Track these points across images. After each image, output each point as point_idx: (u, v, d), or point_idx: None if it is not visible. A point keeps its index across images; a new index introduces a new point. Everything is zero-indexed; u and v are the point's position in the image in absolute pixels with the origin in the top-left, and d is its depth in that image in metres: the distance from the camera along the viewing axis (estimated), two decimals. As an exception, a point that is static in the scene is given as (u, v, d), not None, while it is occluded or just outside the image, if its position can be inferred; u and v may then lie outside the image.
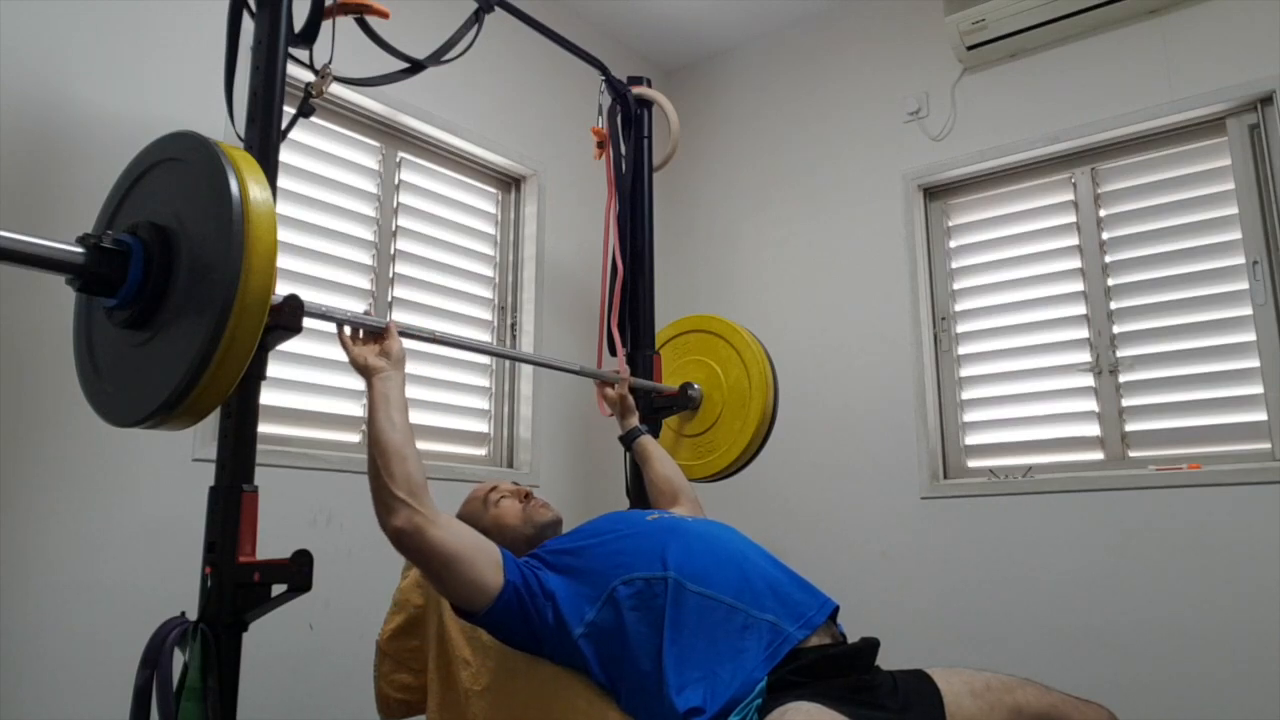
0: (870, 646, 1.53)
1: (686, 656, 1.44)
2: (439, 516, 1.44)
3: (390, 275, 2.68)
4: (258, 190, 1.26)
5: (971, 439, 2.93)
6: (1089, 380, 2.73)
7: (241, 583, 1.37)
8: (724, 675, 1.41)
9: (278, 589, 1.36)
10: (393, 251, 2.71)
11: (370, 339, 1.63)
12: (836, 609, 1.56)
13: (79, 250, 1.28)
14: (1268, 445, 2.44)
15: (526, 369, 2.99)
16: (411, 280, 2.75)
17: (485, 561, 1.47)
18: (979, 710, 1.41)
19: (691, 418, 2.57)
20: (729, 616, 1.47)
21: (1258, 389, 2.47)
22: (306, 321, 1.45)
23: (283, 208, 2.16)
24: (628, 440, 2.23)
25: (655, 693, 1.42)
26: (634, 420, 2.25)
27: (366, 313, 2.26)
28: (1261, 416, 2.46)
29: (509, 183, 3.15)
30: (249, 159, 1.32)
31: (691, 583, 1.49)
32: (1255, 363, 2.47)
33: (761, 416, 2.43)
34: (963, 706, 1.41)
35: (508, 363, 3.02)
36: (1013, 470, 2.81)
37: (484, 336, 2.96)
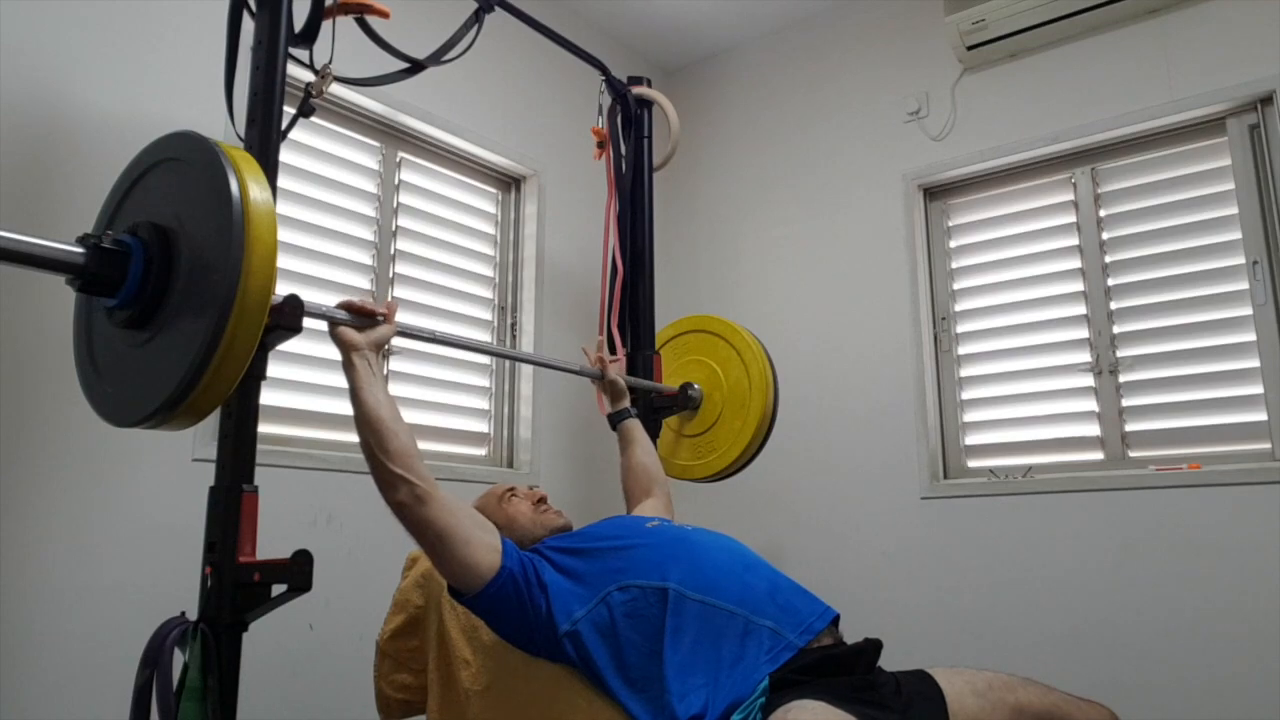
0: (873, 647, 1.53)
1: (688, 663, 1.44)
2: (436, 491, 1.46)
3: (390, 275, 2.68)
4: (258, 190, 1.26)
5: (971, 439, 2.93)
6: (1089, 380, 2.73)
7: (241, 583, 1.37)
8: (724, 680, 1.42)
9: (278, 589, 1.36)
10: (393, 251, 2.71)
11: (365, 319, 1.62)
12: (837, 617, 1.57)
13: (79, 250, 1.28)
14: (1268, 445, 2.44)
15: (526, 369, 2.99)
16: (411, 280, 2.74)
17: (481, 543, 1.49)
18: (981, 709, 1.42)
19: (691, 418, 2.57)
20: (729, 622, 1.47)
21: (1258, 389, 2.47)
22: (306, 321, 1.45)
23: (283, 208, 2.16)
24: (614, 420, 2.24)
25: (656, 699, 1.43)
26: (624, 403, 2.25)
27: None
28: (1261, 416, 2.45)
29: (509, 183, 3.15)
30: (249, 159, 1.32)
31: (693, 591, 1.50)
32: (1255, 363, 2.47)
33: (761, 416, 2.43)
34: (965, 706, 1.41)
35: (508, 363, 3.02)
36: (1013, 470, 2.81)
37: (484, 336, 2.96)
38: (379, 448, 1.45)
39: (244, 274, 1.21)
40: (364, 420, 1.48)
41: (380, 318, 1.60)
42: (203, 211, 1.27)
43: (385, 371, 2.61)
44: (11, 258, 1.22)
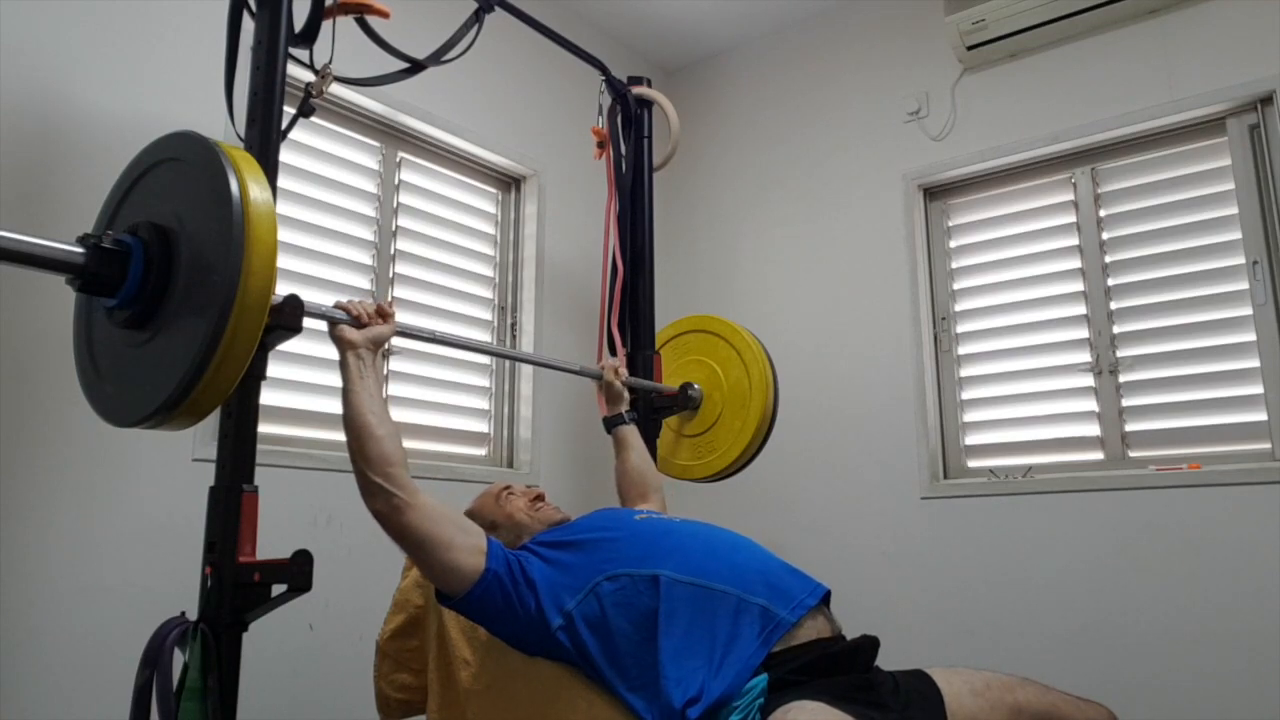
0: (870, 644, 1.54)
1: (684, 647, 1.45)
2: (415, 499, 1.45)
3: (390, 275, 2.68)
4: (258, 190, 1.27)
5: (971, 439, 2.93)
6: (1089, 380, 2.73)
7: (241, 583, 1.37)
8: (719, 660, 1.43)
9: (278, 589, 1.36)
10: (393, 251, 2.71)
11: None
12: (828, 594, 1.57)
13: (79, 250, 1.28)
14: (1268, 445, 2.44)
15: (526, 369, 2.99)
16: (411, 280, 2.74)
17: (464, 546, 1.48)
18: (979, 709, 1.42)
19: (691, 418, 2.57)
20: (722, 602, 1.48)
21: (1258, 389, 2.46)
22: (307, 321, 1.45)
23: (283, 208, 2.15)
24: (609, 424, 2.23)
25: (651, 686, 1.43)
26: (620, 407, 2.24)
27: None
28: (1261, 416, 2.45)
29: (509, 183, 3.15)
30: (249, 159, 1.32)
31: (684, 575, 1.51)
32: (1255, 363, 2.47)
33: (761, 416, 2.43)
34: (963, 705, 1.42)
35: (508, 363, 3.02)
36: (1013, 470, 2.81)
37: (484, 336, 2.96)
38: (359, 453, 1.46)
39: (244, 274, 1.21)
40: (348, 423, 1.48)
41: (378, 320, 1.60)
42: (203, 211, 1.27)
43: (385, 371, 2.61)
44: (11, 258, 1.22)
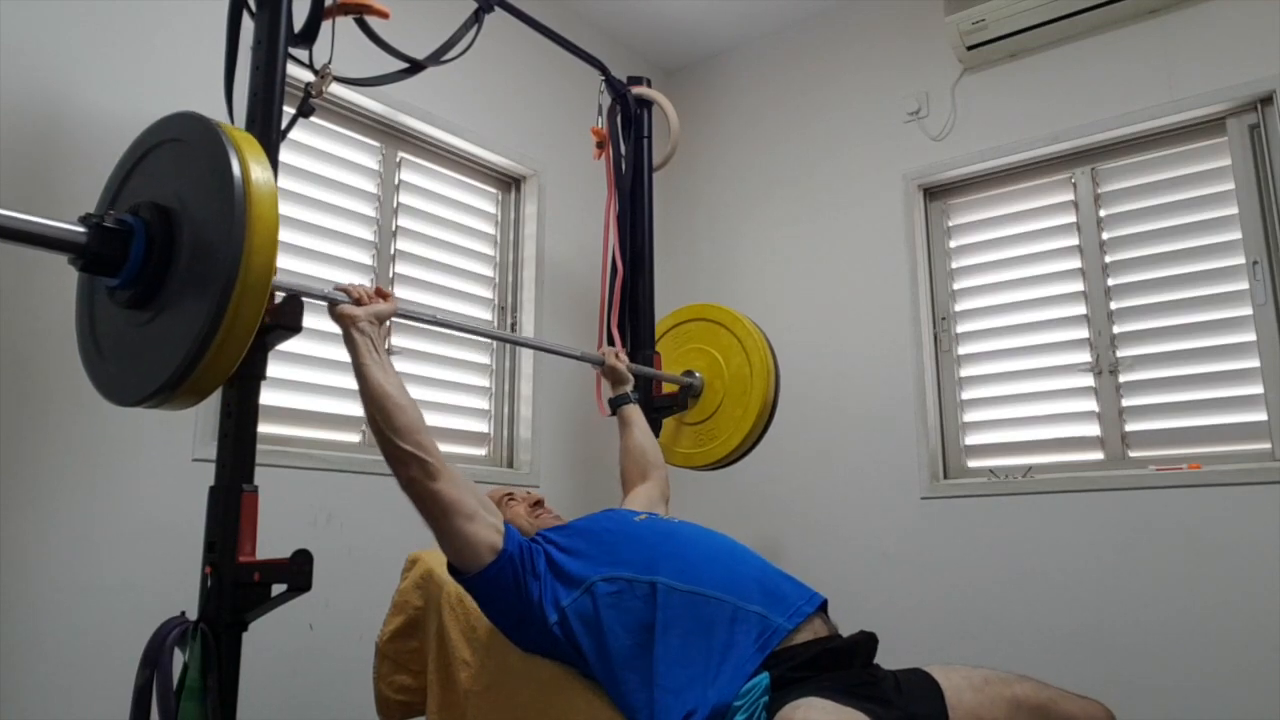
0: (869, 640, 1.54)
1: (679, 656, 1.45)
2: (445, 468, 1.48)
3: (390, 275, 2.68)
4: (259, 170, 1.27)
5: (971, 439, 2.93)
6: (1089, 380, 2.72)
7: (241, 583, 1.37)
8: (714, 670, 1.43)
9: (278, 589, 1.36)
10: (393, 252, 2.71)
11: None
12: (825, 602, 1.57)
13: (81, 230, 1.28)
14: (1268, 445, 2.44)
15: (526, 369, 2.99)
16: (412, 280, 2.74)
17: (485, 521, 1.51)
18: (979, 703, 1.42)
19: (693, 405, 2.58)
20: (718, 610, 1.49)
21: (1258, 389, 2.46)
22: (307, 320, 1.45)
23: (283, 208, 2.15)
24: (615, 404, 2.26)
25: (645, 691, 1.43)
26: (625, 388, 2.26)
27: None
28: (1261, 416, 2.45)
29: (509, 183, 3.15)
30: (250, 140, 1.32)
31: (680, 583, 1.51)
32: (1255, 363, 2.47)
33: (762, 404, 2.44)
34: (963, 700, 1.42)
35: (508, 362, 3.02)
36: (1013, 470, 2.81)
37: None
38: (386, 424, 1.46)
39: (246, 253, 1.21)
40: (369, 396, 1.49)
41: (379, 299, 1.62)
42: (204, 191, 1.27)
43: (385, 371, 2.61)
44: (15, 236, 1.23)
